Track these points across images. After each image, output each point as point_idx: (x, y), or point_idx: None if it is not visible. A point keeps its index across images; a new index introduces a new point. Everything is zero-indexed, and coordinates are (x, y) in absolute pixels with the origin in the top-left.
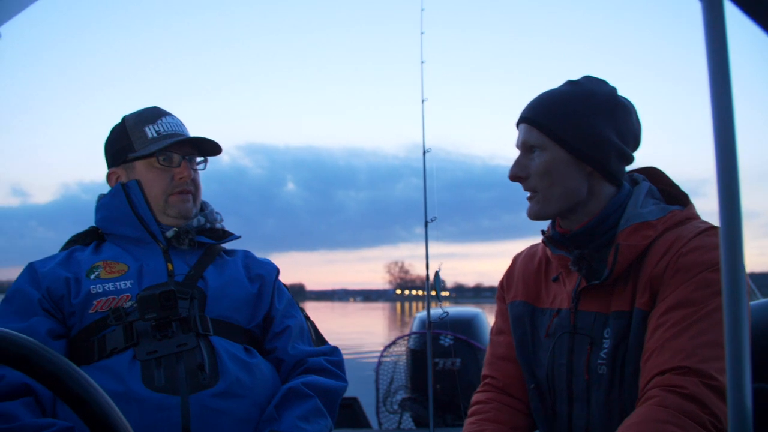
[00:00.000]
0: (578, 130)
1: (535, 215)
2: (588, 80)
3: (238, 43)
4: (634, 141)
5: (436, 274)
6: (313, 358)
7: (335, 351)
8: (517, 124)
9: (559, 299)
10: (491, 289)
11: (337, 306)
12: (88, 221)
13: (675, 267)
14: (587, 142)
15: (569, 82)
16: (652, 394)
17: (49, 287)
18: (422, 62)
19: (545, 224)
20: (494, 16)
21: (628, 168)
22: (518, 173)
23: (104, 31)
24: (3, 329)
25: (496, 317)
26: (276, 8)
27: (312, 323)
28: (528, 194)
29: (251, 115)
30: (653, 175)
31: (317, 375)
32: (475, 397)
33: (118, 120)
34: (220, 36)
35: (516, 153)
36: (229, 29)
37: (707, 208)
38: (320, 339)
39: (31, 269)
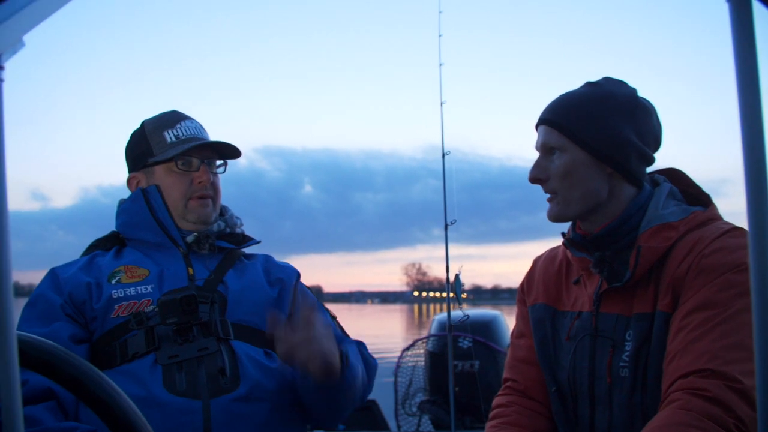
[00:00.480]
0: (598, 131)
1: (555, 217)
2: (607, 81)
3: (254, 46)
4: (655, 142)
5: (456, 277)
6: (348, 343)
7: (363, 344)
8: (537, 126)
9: (580, 302)
10: (509, 290)
11: (354, 308)
12: (107, 225)
13: (698, 268)
14: (607, 143)
15: (589, 84)
16: (675, 397)
17: (71, 292)
18: (440, 65)
19: (565, 225)
20: (511, 18)
21: (649, 169)
22: (538, 175)
23: (122, 35)
24: (27, 334)
25: (517, 320)
26: (292, 11)
27: (338, 322)
28: (548, 196)
29: (268, 117)
30: (674, 176)
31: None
32: (496, 401)
33: (137, 124)
34: (236, 39)
35: (535, 155)
36: (245, 32)
37: (728, 208)
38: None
39: (53, 275)
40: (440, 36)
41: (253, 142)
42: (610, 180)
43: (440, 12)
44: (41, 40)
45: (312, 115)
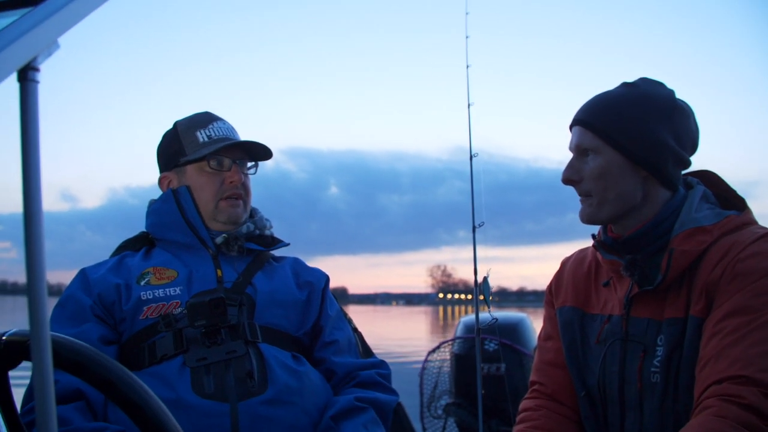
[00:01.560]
0: (634, 133)
1: (587, 219)
2: (644, 82)
3: (280, 48)
4: (692, 145)
5: (485, 279)
6: (365, 372)
7: (384, 364)
8: (571, 127)
9: (610, 305)
10: (534, 293)
11: (379, 309)
12: (134, 225)
13: (732, 273)
14: (643, 146)
15: (625, 84)
16: (708, 404)
17: (101, 293)
18: (468, 66)
19: (593, 227)
20: (538, 19)
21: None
22: (571, 176)
23: (151, 37)
24: (61, 335)
25: (545, 322)
26: (318, 12)
27: (359, 335)
28: (580, 198)
29: (294, 118)
30: (708, 178)
31: (370, 389)
32: (523, 404)
33: (164, 125)
34: (263, 40)
35: (565, 156)
36: (272, 34)
37: (758, 210)
38: (367, 351)
39: (83, 275)
40: (467, 38)
41: (279, 144)
42: (645, 183)
43: (467, 13)
44: (71, 41)
45: (338, 117)
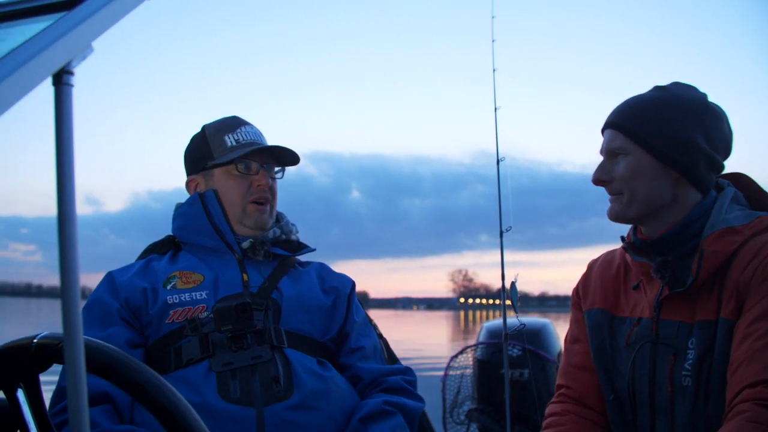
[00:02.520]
0: (666, 134)
1: (615, 216)
2: (677, 86)
3: (302, 51)
4: (725, 149)
5: (513, 284)
6: (391, 377)
7: (410, 371)
8: (602, 131)
9: (639, 307)
10: (556, 298)
11: (401, 314)
12: (157, 229)
13: (763, 274)
14: (675, 147)
15: (657, 88)
16: (742, 408)
17: (128, 297)
18: (494, 70)
19: (616, 232)
20: (563, 23)
21: None
22: (602, 177)
23: (175, 42)
24: (90, 338)
25: (571, 325)
26: (340, 15)
27: (384, 341)
28: (610, 196)
29: (316, 122)
30: (740, 180)
31: (397, 395)
32: (550, 408)
33: (184, 128)
34: (286, 45)
35: (593, 159)
36: (293, 38)
37: None
38: (392, 357)
39: (110, 279)
40: (493, 41)
41: (301, 147)
42: (675, 185)
43: (493, 17)
44: (96, 45)
45: (360, 121)
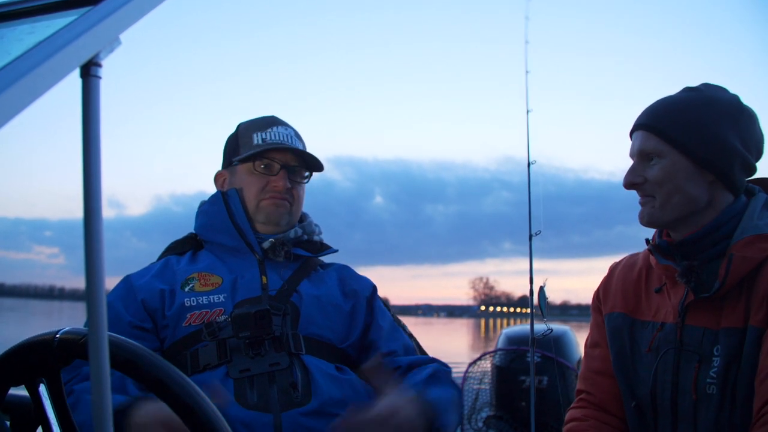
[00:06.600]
0: (701, 136)
1: (649, 221)
2: (708, 87)
3: (327, 55)
4: (757, 151)
5: (541, 289)
6: (430, 364)
7: (444, 364)
8: (631, 132)
9: (662, 312)
10: (578, 306)
11: (421, 321)
12: (178, 233)
13: None
14: (710, 149)
15: (688, 89)
16: None
17: (145, 299)
18: (527, 72)
19: (641, 240)
20: (596, 27)
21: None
22: (634, 180)
23: (199, 45)
24: (114, 335)
25: (592, 329)
26: (366, 20)
27: (415, 340)
28: (641, 199)
29: (339, 127)
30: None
31: (438, 377)
32: (570, 414)
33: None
34: (311, 50)
35: (620, 166)
36: (318, 42)
37: None
38: (424, 354)
39: (127, 282)
40: (527, 43)
41: (325, 152)
42: (710, 188)
43: (527, 18)
44: (124, 46)
45: (384, 125)
